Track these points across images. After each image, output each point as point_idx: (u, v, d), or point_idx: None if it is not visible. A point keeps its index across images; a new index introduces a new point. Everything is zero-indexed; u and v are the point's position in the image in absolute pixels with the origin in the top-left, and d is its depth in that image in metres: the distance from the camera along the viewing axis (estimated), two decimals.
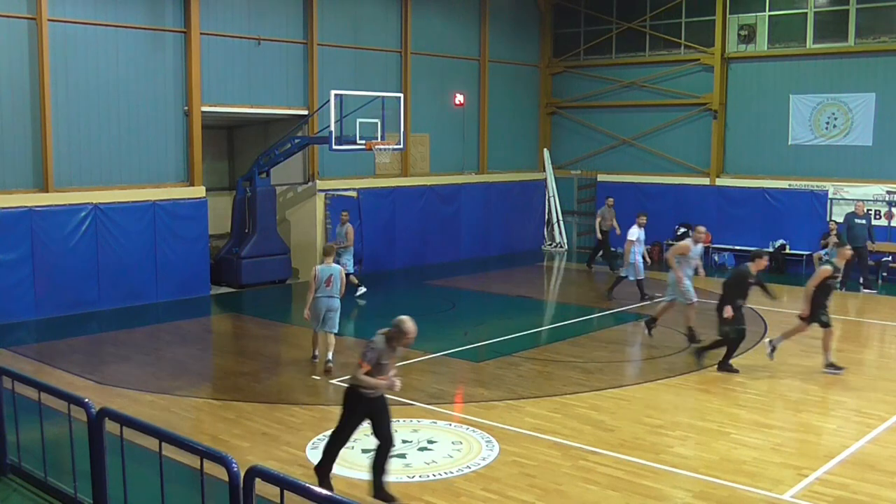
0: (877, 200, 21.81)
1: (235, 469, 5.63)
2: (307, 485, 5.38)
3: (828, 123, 22.71)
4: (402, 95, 20.59)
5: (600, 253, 23.31)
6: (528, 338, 15.51)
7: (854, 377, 12.86)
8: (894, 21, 21.71)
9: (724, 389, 12.13)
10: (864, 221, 20.39)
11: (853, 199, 22.06)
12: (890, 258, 21.36)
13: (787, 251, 22.83)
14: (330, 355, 13.15)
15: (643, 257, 18.49)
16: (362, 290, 19.03)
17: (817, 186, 22.65)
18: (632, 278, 18.48)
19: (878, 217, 21.84)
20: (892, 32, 21.68)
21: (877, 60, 21.94)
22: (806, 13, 22.87)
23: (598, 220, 22.96)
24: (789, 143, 23.32)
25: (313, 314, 13.10)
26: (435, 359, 13.79)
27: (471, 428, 10.34)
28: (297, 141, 19.91)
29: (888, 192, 21.65)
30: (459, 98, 24.83)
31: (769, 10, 23.43)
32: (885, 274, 21.21)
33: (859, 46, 22.11)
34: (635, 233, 18.30)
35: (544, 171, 27.62)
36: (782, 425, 10.65)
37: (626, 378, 12.66)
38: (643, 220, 18.63)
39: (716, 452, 9.60)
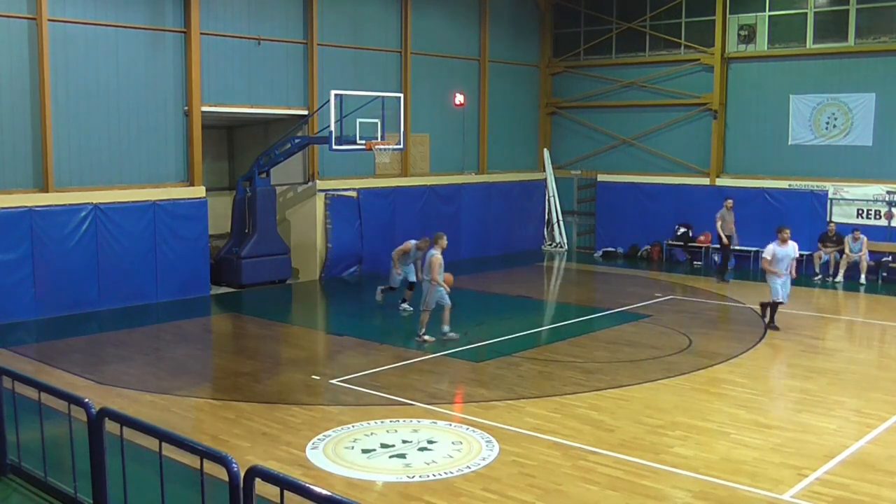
0: (877, 200, 21.80)
1: (235, 469, 5.63)
2: (307, 485, 5.38)
3: (828, 123, 22.70)
4: (402, 95, 20.60)
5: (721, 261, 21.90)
6: (528, 338, 15.51)
7: (854, 377, 12.87)
8: (894, 21, 21.70)
9: (724, 389, 12.13)
10: None
11: (853, 199, 22.07)
12: (890, 258, 21.37)
13: None
14: (422, 330, 14.78)
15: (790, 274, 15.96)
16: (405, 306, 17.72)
17: (817, 186, 22.64)
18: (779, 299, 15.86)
19: (878, 217, 21.84)
20: (892, 32, 21.67)
21: (877, 60, 21.94)
22: (806, 13, 22.88)
23: (717, 223, 21.47)
24: (789, 143, 23.32)
25: None
26: (435, 359, 13.78)
27: (471, 428, 10.34)
28: (297, 141, 19.91)
29: (888, 192, 21.64)
30: (459, 98, 24.83)
31: (769, 10, 23.43)
32: (885, 274, 21.22)
33: (859, 46, 22.11)
34: (771, 250, 15.60)
35: (544, 171, 27.62)
36: (782, 425, 10.65)
37: (626, 378, 12.64)
38: (786, 234, 15.73)
39: (716, 452, 9.60)
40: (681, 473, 8.97)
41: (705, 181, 24.56)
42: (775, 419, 10.96)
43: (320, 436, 10.01)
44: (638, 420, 10.71)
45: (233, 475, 5.62)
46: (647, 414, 10.97)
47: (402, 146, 20.33)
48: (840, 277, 21.29)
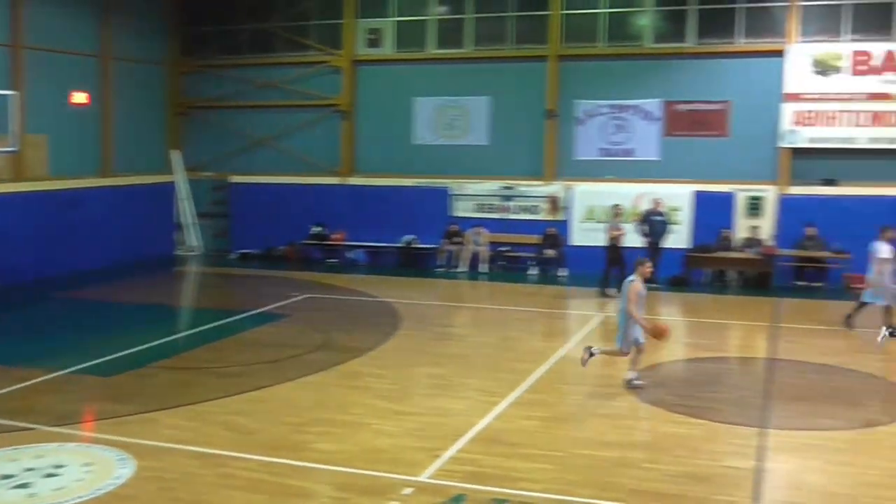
0: (494, 196, 23.60)
1: None
2: None
3: (449, 124, 24.21)
4: (15, 93, 18.79)
5: None
6: (163, 346, 14.83)
7: (480, 359, 13.84)
8: (505, 30, 23.67)
9: (364, 383, 12.44)
10: (662, 218, 20.75)
11: (473, 195, 23.70)
12: (508, 248, 23.24)
13: (417, 246, 23.99)
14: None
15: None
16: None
17: (441, 184, 24.03)
18: (881, 302, 15.60)
19: (495, 211, 23.59)
20: (505, 41, 23.63)
21: (491, 66, 23.81)
22: (427, 20, 24.26)
23: None
24: (415, 142, 24.54)
25: None
26: (60, 377, 12.70)
27: (104, 447, 9.69)
28: None
29: (503, 188, 23.52)
30: (80, 97, 23.20)
31: (395, 16, 24.52)
32: (502, 262, 23.04)
33: (475, 53, 23.85)
34: (887, 250, 15.41)
35: (175, 173, 26.68)
36: (418, 411, 11.14)
37: (265, 379, 12.52)
38: (891, 233, 15.66)
39: (357, 444, 9.81)
40: (324, 468, 9.05)
41: (338, 180, 25.11)
42: (411, 405, 11.43)
43: None
44: (279, 420, 10.67)
45: None
46: (288, 413, 10.96)
47: (15, 148, 18.62)
48: (464, 267, 22.82)
